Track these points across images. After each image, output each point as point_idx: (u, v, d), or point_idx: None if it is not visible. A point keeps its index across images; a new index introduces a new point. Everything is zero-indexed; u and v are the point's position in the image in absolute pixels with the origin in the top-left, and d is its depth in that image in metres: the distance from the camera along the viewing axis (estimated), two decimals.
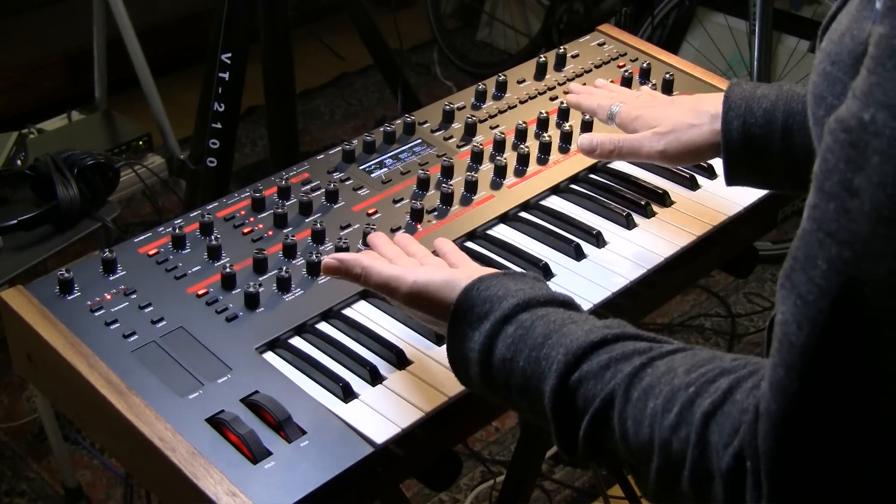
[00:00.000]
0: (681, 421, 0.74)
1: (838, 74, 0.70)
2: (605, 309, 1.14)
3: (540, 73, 1.49)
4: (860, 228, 0.61)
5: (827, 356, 0.64)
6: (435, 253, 1.06)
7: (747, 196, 1.30)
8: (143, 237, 1.16)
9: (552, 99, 1.44)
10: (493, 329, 0.88)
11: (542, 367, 0.84)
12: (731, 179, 1.15)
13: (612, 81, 1.46)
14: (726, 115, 1.12)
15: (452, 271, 0.97)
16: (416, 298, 0.96)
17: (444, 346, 0.94)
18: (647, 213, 1.27)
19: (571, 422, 0.82)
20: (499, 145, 1.33)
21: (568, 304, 0.91)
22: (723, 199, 1.30)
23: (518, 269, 0.96)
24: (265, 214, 1.21)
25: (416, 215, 1.22)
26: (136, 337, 1.04)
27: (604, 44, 1.57)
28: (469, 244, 1.22)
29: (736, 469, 0.69)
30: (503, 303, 0.89)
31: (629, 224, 1.25)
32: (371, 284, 1.00)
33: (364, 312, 1.12)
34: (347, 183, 1.27)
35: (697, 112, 1.16)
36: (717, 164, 1.36)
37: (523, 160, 1.32)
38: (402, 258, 1.04)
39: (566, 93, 1.40)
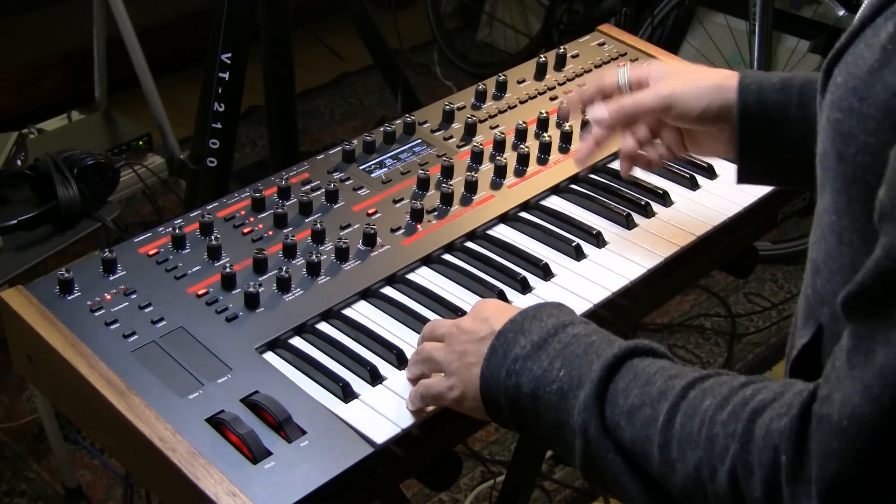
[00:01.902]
0: (732, 415, 0.75)
1: (869, 111, 0.69)
2: (605, 309, 1.14)
3: (540, 73, 1.49)
4: None
5: None
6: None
7: (747, 196, 1.30)
8: (143, 237, 1.16)
9: (552, 99, 1.44)
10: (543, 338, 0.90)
11: (592, 354, 0.87)
12: (743, 154, 1.11)
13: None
14: (742, 80, 1.10)
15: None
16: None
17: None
18: (647, 213, 1.27)
19: (610, 397, 0.84)
20: (499, 145, 1.33)
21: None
22: (723, 199, 1.30)
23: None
24: (265, 214, 1.21)
25: (416, 215, 1.22)
26: (136, 337, 1.04)
27: (604, 44, 1.57)
28: (469, 244, 1.22)
29: (776, 465, 0.71)
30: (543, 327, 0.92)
31: (629, 224, 1.25)
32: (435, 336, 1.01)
33: (364, 312, 1.12)
34: (347, 183, 1.27)
35: (705, 71, 1.15)
36: (718, 163, 1.36)
37: (523, 160, 1.32)
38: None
39: (566, 92, 1.40)
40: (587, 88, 1.21)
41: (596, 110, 1.16)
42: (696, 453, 0.76)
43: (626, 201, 1.29)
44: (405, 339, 1.08)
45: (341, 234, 1.19)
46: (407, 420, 0.98)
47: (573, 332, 0.90)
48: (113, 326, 1.05)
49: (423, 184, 1.27)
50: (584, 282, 1.16)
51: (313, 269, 1.13)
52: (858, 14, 0.75)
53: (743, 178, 1.14)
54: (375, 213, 1.23)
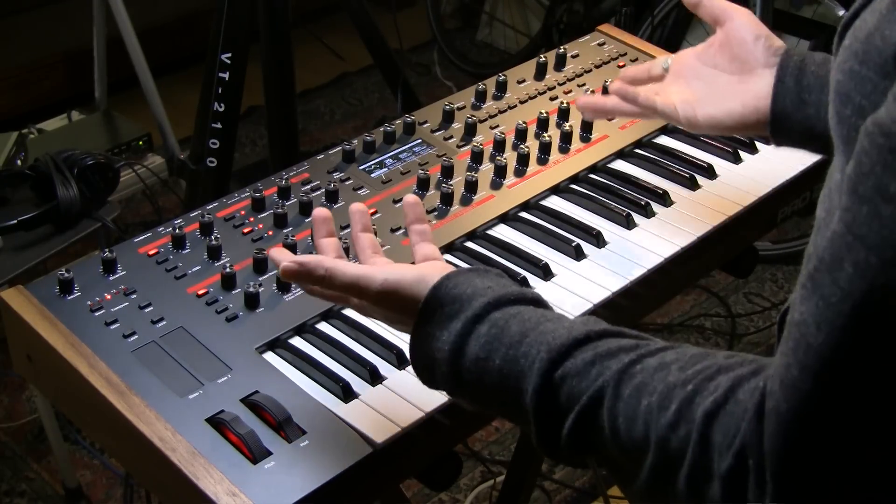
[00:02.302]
0: (680, 419, 0.73)
1: (867, 74, 0.69)
2: (605, 309, 1.14)
3: (540, 73, 1.49)
4: (892, 235, 0.61)
5: (845, 359, 0.64)
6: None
7: (747, 196, 1.30)
8: (143, 237, 1.16)
9: (552, 99, 1.44)
10: (464, 328, 0.86)
11: (522, 366, 0.83)
12: (777, 109, 1.10)
13: (612, 81, 1.46)
14: (784, 55, 1.11)
15: (422, 268, 0.94)
16: (386, 297, 0.92)
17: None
18: (647, 213, 1.27)
19: (555, 419, 0.81)
20: (499, 145, 1.33)
21: (538, 301, 0.90)
22: (723, 199, 1.30)
23: (481, 266, 0.94)
24: (265, 214, 1.21)
25: None
26: (136, 337, 1.04)
27: (604, 44, 1.57)
28: (469, 244, 1.22)
29: (738, 468, 0.69)
30: (473, 301, 0.87)
31: (629, 224, 1.25)
32: (337, 286, 0.94)
33: None
34: (347, 183, 1.27)
35: (742, 90, 1.14)
36: (718, 163, 1.36)
37: (523, 160, 1.32)
38: (364, 254, 1.00)
39: (566, 92, 1.40)
40: (632, 69, 1.25)
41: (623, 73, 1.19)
42: (652, 458, 0.75)
43: (626, 201, 1.29)
44: (405, 338, 1.07)
45: (341, 234, 1.19)
46: (407, 420, 0.98)
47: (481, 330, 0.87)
48: (113, 326, 1.05)
49: (423, 184, 1.27)
50: (584, 282, 1.16)
51: None
52: None
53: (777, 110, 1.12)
54: (375, 213, 1.23)
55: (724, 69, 1.15)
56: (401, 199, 1.25)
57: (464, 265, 1.17)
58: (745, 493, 0.69)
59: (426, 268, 0.94)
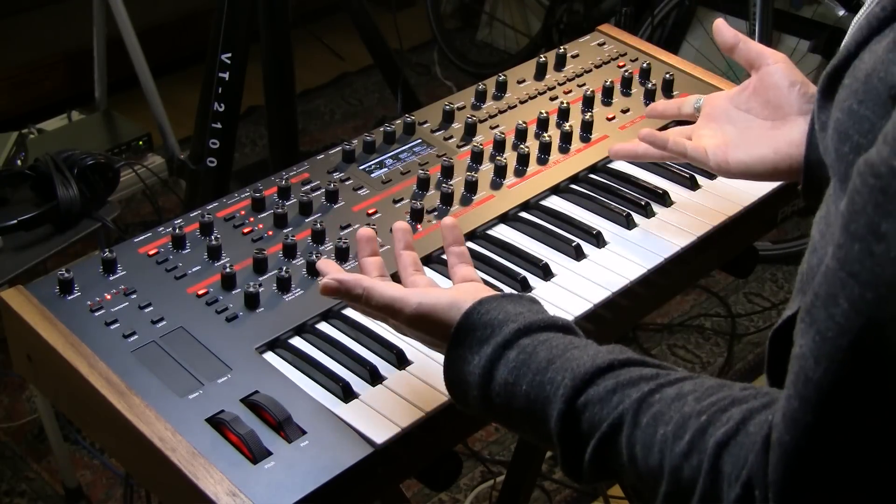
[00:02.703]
0: (692, 449, 0.75)
1: (865, 113, 0.71)
2: (605, 309, 1.14)
3: (540, 73, 1.49)
4: (884, 272, 0.62)
5: (843, 393, 0.65)
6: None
7: (747, 196, 1.30)
8: (143, 237, 1.16)
9: (552, 99, 1.44)
10: (494, 353, 0.89)
11: (547, 392, 0.85)
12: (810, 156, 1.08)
13: (612, 81, 1.46)
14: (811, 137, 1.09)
15: (455, 293, 0.96)
16: (420, 321, 0.95)
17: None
18: (647, 213, 1.27)
19: (577, 445, 0.83)
20: (499, 145, 1.33)
21: (567, 328, 0.92)
22: (723, 199, 1.31)
23: (514, 292, 0.96)
24: (265, 214, 1.21)
25: (416, 215, 1.22)
26: (136, 337, 1.04)
27: (604, 44, 1.57)
28: (469, 244, 1.22)
29: (745, 498, 0.70)
30: (504, 328, 0.89)
31: (629, 224, 1.25)
32: (373, 305, 0.97)
33: None
34: (347, 183, 1.27)
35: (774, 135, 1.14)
36: None
37: (523, 160, 1.32)
38: (405, 272, 1.03)
39: (566, 92, 1.40)
40: (661, 104, 1.28)
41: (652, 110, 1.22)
42: (666, 486, 0.76)
43: (626, 201, 1.29)
44: (405, 339, 1.08)
45: (341, 234, 1.19)
46: (407, 420, 0.98)
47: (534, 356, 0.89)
48: (113, 326, 1.05)
49: (423, 184, 1.27)
50: (584, 282, 1.16)
51: (313, 270, 1.13)
52: (853, 31, 0.77)
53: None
54: (375, 213, 1.23)
55: (758, 114, 1.14)
56: (401, 199, 1.25)
57: None
58: None
59: (461, 292, 0.96)
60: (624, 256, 1.21)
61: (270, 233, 1.18)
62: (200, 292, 1.10)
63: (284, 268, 1.11)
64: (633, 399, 0.80)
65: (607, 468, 0.82)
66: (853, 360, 0.64)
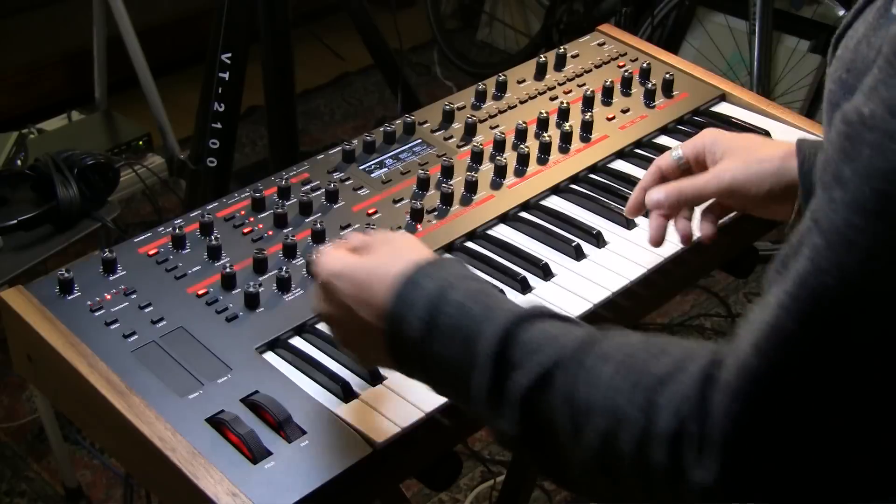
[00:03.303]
0: (635, 386, 0.74)
1: (853, 82, 0.70)
2: (605, 309, 1.14)
3: (540, 73, 1.49)
4: (836, 218, 0.62)
5: (793, 344, 0.65)
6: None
7: None
8: (143, 237, 1.16)
9: (552, 99, 1.44)
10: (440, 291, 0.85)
11: (484, 314, 0.82)
12: None
13: (611, 81, 1.46)
14: (801, 160, 1.07)
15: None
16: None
17: None
18: (648, 213, 1.27)
19: (509, 369, 0.79)
20: (499, 145, 1.33)
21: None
22: None
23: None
24: (265, 214, 1.21)
25: (416, 215, 1.22)
26: (136, 337, 1.04)
27: (604, 44, 1.57)
28: (469, 244, 1.22)
29: (678, 433, 0.71)
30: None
31: (629, 224, 1.25)
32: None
33: None
34: (347, 183, 1.27)
35: (765, 149, 1.11)
36: None
37: (523, 160, 1.32)
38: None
39: (566, 92, 1.40)
40: (645, 176, 1.18)
41: (654, 194, 1.13)
42: (604, 423, 0.75)
43: (626, 201, 1.28)
44: None
45: (341, 234, 1.19)
46: (407, 420, 0.98)
47: (454, 299, 0.84)
48: (113, 326, 1.05)
49: (423, 184, 1.27)
50: (584, 282, 1.16)
51: None
52: None
53: None
54: (375, 213, 1.23)
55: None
56: (401, 199, 1.25)
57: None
58: (684, 457, 0.70)
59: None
60: (624, 256, 1.21)
61: (270, 233, 1.18)
62: (200, 292, 1.10)
63: (284, 268, 1.11)
64: (579, 337, 0.79)
65: (537, 408, 0.79)
66: (805, 311, 0.64)
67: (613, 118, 1.42)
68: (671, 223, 1.16)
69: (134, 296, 1.09)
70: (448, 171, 1.29)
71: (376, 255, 0.91)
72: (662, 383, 0.73)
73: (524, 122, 1.36)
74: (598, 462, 0.76)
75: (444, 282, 0.86)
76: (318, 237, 1.17)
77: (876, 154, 0.60)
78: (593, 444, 0.76)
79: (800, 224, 0.67)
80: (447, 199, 1.25)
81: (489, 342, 0.81)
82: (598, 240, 1.22)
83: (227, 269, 1.11)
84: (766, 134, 1.40)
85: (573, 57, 1.53)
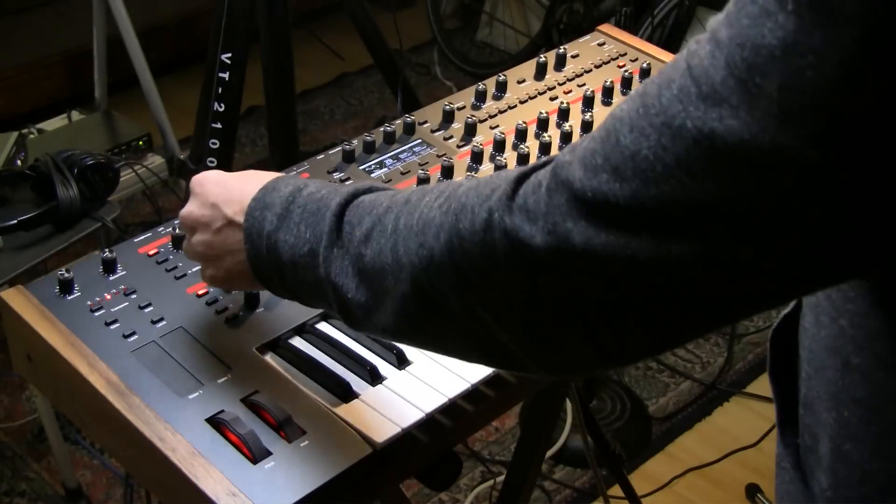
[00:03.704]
0: (446, 201, 0.78)
1: None
2: None
3: (540, 73, 1.49)
4: (714, 73, 0.62)
5: (645, 170, 0.66)
6: None
7: None
8: (143, 237, 1.16)
9: (552, 99, 1.44)
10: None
11: (332, 194, 0.89)
12: None
13: (612, 81, 1.46)
14: None
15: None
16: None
17: None
18: None
19: (347, 230, 0.85)
20: (499, 145, 1.33)
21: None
22: None
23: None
24: None
25: None
26: (136, 337, 1.04)
27: (604, 44, 1.57)
28: None
29: (518, 179, 0.73)
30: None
31: None
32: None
33: None
34: (347, 183, 1.27)
35: None
36: None
37: (523, 160, 1.32)
38: None
39: (566, 92, 1.40)
40: None
41: None
42: (417, 240, 0.78)
43: None
44: None
45: None
46: (407, 420, 0.98)
47: (307, 192, 0.91)
48: (113, 326, 1.05)
49: (424, 184, 1.27)
50: None
51: None
52: None
53: None
54: None
55: None
56: None
57: None
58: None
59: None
60: None
61: None
62: (200, 292, 1.10)
63: None
64: (405, 192, 0.85)
65: (370, 257, 0.82)
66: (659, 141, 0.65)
67: None
68: None
69: (134, 296, 1.09)
70: (448, 171, 1.29)
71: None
72: (466, 191, 0.76)
73: (524, 123, 1.36)
74: (424, 277, 0.78)
75: (300, 183, 0.93)
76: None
77: (752, 25, 0.61)
78: (413, 261, 0.78)
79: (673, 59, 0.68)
80: None
81: (331, 214, 0.86)
82: None
83: None
84: None
85: (573, 57, 1.53)
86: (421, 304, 0.79)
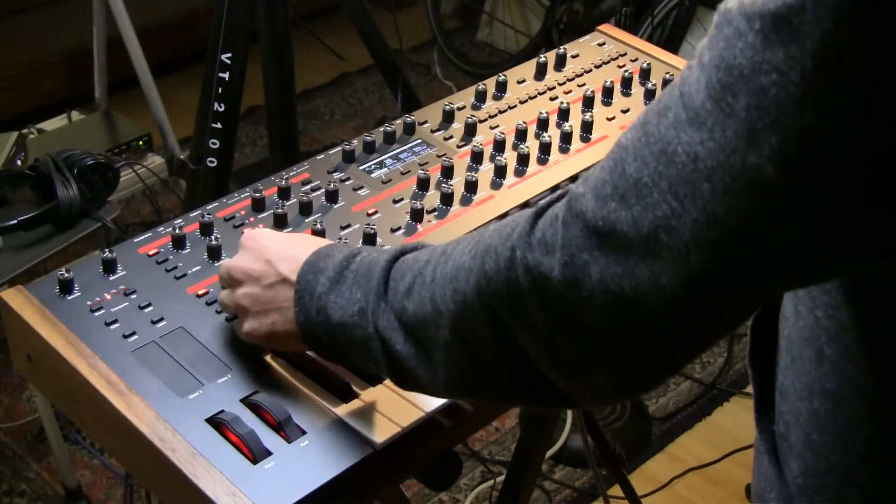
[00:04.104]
0: (476, 247, 0.80)
1: None
2: None
3: (540, 73, 1.49)
4: (689, 90, 0.65)
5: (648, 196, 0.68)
6: None
7: None
8: (143, 237, 1.16)
9: (552, 99, 1.44)
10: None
11: (381, 256, 0.91)
12: None
13: (612, 81, 1.46)
14: None
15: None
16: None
17: None
18: None
19: (391, 290, 0.88)
20: (499, 145, 1.33)
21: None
22: None
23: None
24: (265, 214, 1.21)
25: (416, 215, 1.22)
26: (136, 337, 1.04)
27: (604, 44, 1.57)
28: None
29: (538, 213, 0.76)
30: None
31: None
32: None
33: None
34: (347, 183, 1.27)
35: None
36: None
37: (523, 160, 1.32)
38: None
39: (566, 92, 1.40)
40: None
41: None
42: (451, 286, 0.80)
43: None
44: None
45: (341, 234, 1.19)
46: (407, 420, 0.98)
47: (360, 257, 0.93)
48: (113, 326, 1.05)
49: (423, 184, 1.27)
50: None
51: None
52: None
53: None
54: (375, 213, 1.23)
55: None
56: (401, 199, 1.25)
57: None
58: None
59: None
60: None
61: None
62: (200, 292, 1.10)
63: None
64: (439, 246, 0.87)
65: (413, 314, 0.85)
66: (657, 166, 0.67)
67: (614, 118, 1.42)
68: None
69: (134, 296, 1.09)
70: (448, 172, 1.29)
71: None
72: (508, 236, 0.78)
73: (524, 122, 1.36)
74: (456, 332, 0.80)
75: (354, 249, 0.95)
76: (319, 237, 1.17)
77: (727, 48, 0.63)
78: (451, 308, 0.80)
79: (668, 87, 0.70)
80: (447, 199, 1.25)
81: (380, 270, 0.89)
82: None
83: None
84: None
85: (573, 57, 1.53)
86: (462, 349, 0.81)
